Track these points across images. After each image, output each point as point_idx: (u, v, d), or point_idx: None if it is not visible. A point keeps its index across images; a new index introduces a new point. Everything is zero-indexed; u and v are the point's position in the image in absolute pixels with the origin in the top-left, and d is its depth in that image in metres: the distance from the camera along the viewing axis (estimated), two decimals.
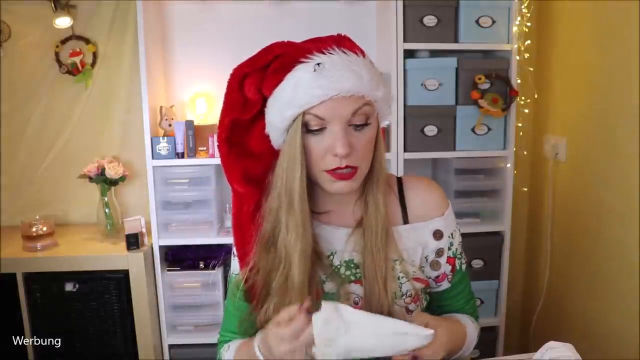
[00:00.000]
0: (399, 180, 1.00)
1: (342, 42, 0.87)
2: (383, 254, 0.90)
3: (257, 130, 0.91)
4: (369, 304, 0.90)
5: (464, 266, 1.02)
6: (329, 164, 0.84)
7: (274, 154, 0.91)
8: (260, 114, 0.90)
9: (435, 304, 1.02)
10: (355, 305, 0.92)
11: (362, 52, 0.88)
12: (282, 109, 0.84)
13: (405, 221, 0.96)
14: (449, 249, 0.98)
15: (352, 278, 0.93)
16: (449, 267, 0.99)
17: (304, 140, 0.84)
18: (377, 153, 0.90)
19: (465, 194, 1.99)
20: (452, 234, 0.99)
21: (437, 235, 0.97)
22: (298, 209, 0.86)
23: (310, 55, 0.83)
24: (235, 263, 0.98)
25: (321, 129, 0.83)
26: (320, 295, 0.91)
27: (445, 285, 1.00)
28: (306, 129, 0.84)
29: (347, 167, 0.84)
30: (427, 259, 0.97)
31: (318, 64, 0.82)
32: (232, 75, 0.87)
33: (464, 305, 1.03)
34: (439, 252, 0.98)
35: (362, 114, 0.84)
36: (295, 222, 0.87)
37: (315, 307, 0.86)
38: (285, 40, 0.87)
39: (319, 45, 0.85)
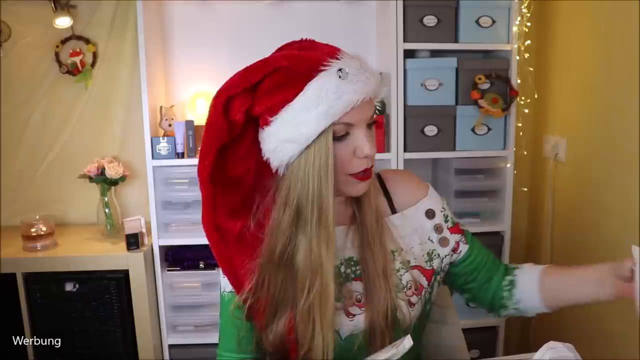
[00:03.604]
0: (378, 175, 1.03)
1: (333, 47, 0.86)
2: (379, 247, 0.91)
3: (241, 150, 0.87)
4: (371, 299, 0.90)
5: (466, 227, 1.05)
6: (355, 167, 0.85)
7: (259, 173, 0.88)
8: (241, 134, 0.86)
9: (468, 268, 1.03)
10: (358, 303, 0.92)
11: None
12: (308, 121, 0.80)
13: (393, 211, 0.99)
14: (446, 221, 1.01)
15: (353, 276, 0.93)
16: (457, 235, 1.01)
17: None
18: None
19: (465, 194, 1.99)
20: (443, 207, 1.02)
21: (430, 214, 1.00)
22: (331, 222, 0.85)
23: (325, 62, 0.81)
24: (225, 280, 0.96)
25: (345, 134, 0.84)
26: None
27: (464, 249, 1.02)
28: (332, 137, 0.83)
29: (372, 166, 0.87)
30: (432, 241, 0.99)
31: (340, 69, 0.81)
32: (216, 100, 0.82)
33: (490, 257, 1.06)
34: (438, 229, 0.99)
35: (373, 116, 0.86)
36: (327, 236, 0.85)
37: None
38: (281, 52, 0.85)
39: (328, 50, 0.84)
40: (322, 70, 0.81)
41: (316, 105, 0.80)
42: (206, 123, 0.84)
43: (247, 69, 0.83)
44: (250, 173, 0.89)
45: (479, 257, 1.03)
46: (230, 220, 0.88)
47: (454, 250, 1.01)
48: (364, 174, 0.86)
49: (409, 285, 0.94)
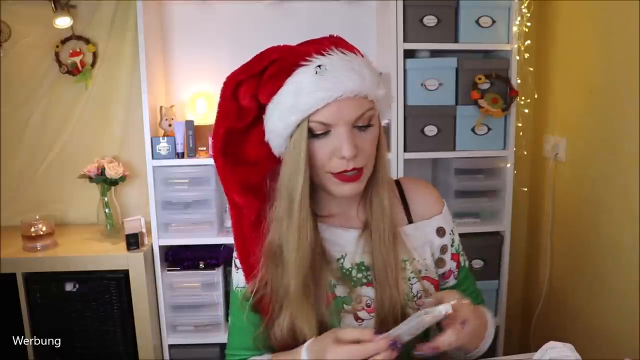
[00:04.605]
0: (397, 183, 1.02)
1: (338, 43, 0.86)
2: (392, 255, 0.90)
3: (254, 137, 0.89)
4: (381, 307, 0.90)
5: (467, 263, 1.03)
6: (334, 167, 0.83)
7: (272, 161, 0.89)
8: (256, 121, 0.88)
9: None
10: (367, 308, 0.92)
11: (359, 52, 0.87)
12: (284, 115, 0.82)
13: (410, 221, 0.98)
14: (452, 245, 1.00)
15: (364, 281, 0.93)
16: (454, 264, 1.01)
17: (308, 145, 0.82)
18: (380, 153, 0.89)
19: (465, 194, 1.99)
20: (452, 231, 1.01)
21: (440, 232, 0.99)
22: (297, 214, 0.84)
23: (309, 57, 0.82)
24: (237, 276, 0.96)
25: (326, 132, 0.82)
26: (331, 300, 0.90)
27: (451, 281, 1.01)
28: (310, 134, 0.82)
29: (353, 169, 0.83)
30: (433, 257, 0.98)
31: (319, 66, 0.81)
32: (225, 83, 0.86)
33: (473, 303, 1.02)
34: (443, 249, 0.99)
35: (365, 118, 0.83)
36: (294, 227, 0.84)
37: (325, 312, 0.87)
38: (281, 44, 0.86)
39: (317, 47, 0.83)
40: (302, 66, 0.82)
41: (289, 100, 0.81)
42: (217, 106, 0.87)
43: (250, 59, 0.86)
44: (269, 159, 0.90)
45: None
46: (243, 195, 0.88)
47: (443, 276, 1.00)
48: (348, 176, 0.84)
49: (419, 294, 0.93)
